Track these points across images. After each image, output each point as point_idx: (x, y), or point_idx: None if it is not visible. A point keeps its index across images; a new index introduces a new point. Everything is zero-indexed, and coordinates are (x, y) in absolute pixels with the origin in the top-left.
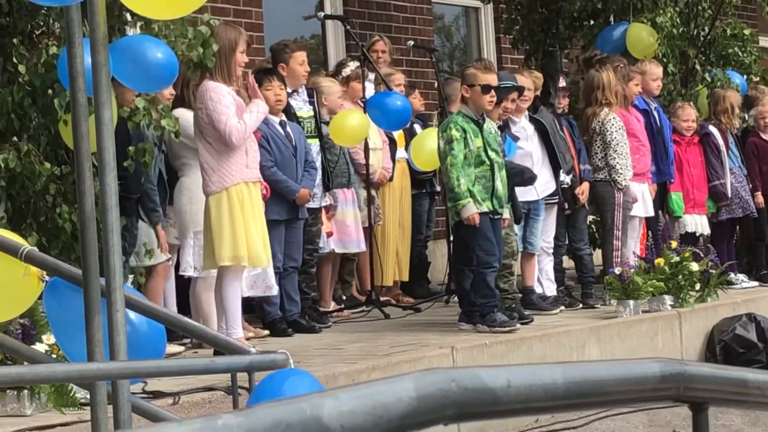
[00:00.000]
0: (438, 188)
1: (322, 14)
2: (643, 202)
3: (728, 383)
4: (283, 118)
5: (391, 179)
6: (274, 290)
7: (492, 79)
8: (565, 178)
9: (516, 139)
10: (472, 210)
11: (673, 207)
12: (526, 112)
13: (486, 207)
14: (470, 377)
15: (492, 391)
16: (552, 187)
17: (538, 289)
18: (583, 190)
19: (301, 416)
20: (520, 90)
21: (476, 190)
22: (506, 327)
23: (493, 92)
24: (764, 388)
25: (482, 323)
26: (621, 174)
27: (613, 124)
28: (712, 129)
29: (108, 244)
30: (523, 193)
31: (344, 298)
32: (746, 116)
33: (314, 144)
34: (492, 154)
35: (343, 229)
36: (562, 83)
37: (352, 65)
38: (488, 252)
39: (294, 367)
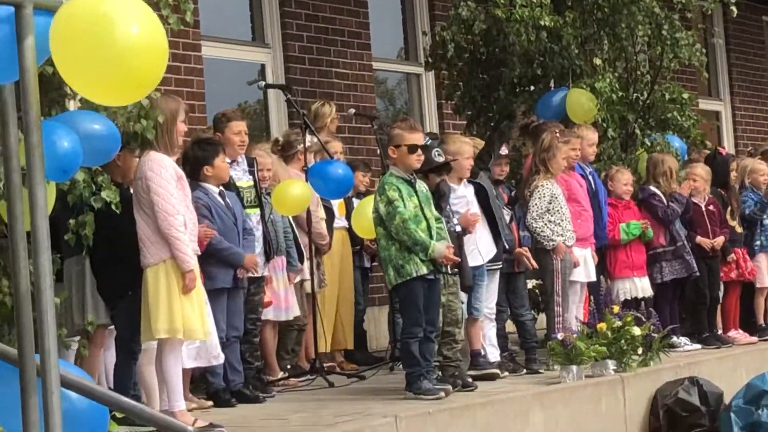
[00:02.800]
0: (367, 264)
1: (263, 83)
2: (585, 266)
3: None
4: (221, 188)
5: (329, 248)
6: (220, 359)
7: (417, 138)
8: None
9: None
10: (441, 247)
11: (629, 231)
12: (464, 180)
13: (425, 268)
14: None
15: None
16: (494, 251)
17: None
18: (523, 253)
19: None
20: (448, 167)
21: (416, 250)
22: (431, 396)
23: (419, 151)
24: None
25: (409, 390)
26: (545, 237)
27: (539, 192)
28: (654, 189)
29: (43, 325)
30: (469, 259)
31: (289, 366)
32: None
33: (254, 214)
34: (428, 213)
35: (275, 297)
36: (504, 150)
37: (308, 140)
38: (413, 321)
39: None
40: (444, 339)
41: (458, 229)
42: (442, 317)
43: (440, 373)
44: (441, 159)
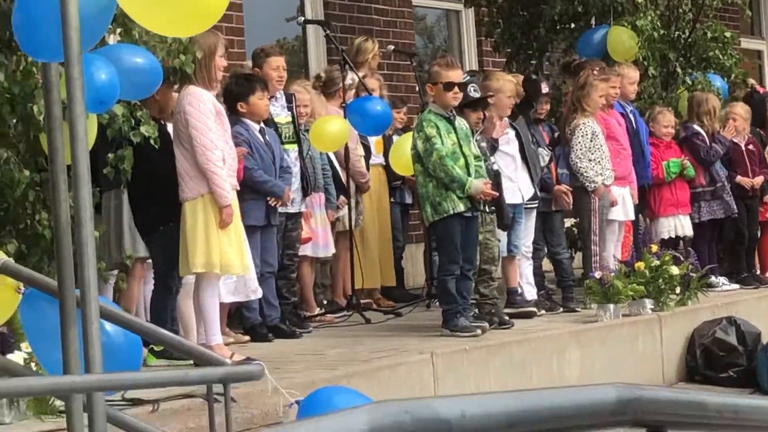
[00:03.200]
0: (409, 200)
1: (302, 19)
2: (623, 205)
3: (686, 407)
4: (262, 125)
5: (368, 186)
6: (258, 294)
7: (455, 75)
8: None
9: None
10: (478, 183)
11: (671, 168)
12: (506, 119)
13: (462, 206)
14: (424, 408)
15: (447, 422)
16: (531, 190)
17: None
18: (562, 191)
19: None
20: (485, 103)
21: (453, 187)
22: (467, 332)
23: (456, 89)
24: (723, 410)
25: (446, 328)
26: (588, 178)
27: (581, 130)
28: (698, 128)
29: (83, 257)
30: (508, 197)
31: (325, 302)
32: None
33: (292, 150)
34: (466, 150)
35: (313, 234)
36: (544, 89)
37: (349, 77)
38: (451, 258)
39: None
40: (481, 277)
41: (496, 167)
42: (479, 255)
43: (477, 310)
44: (477, 95)
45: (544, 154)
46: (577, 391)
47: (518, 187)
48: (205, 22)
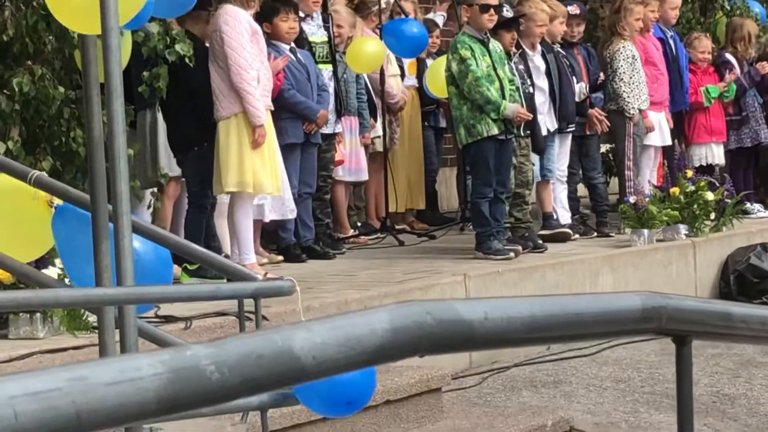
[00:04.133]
0: (443, 124)
1: None
2: (660, 131)
3: (712, 317)
4: (293, 45)
5: (402, 107)
6: (295, 213)
7: None
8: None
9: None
10: (513, 106)
11: (710, 93)
12: (539, 47)
13: (496, 129)
14: (446, 310)
15: (469, 323)
16: (555, 125)
17: (554, 216)
18: (596, 115)
19: (273, 347)
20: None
21: (488, 109)
22: (500, 255)
23: (492, 11)
24: (749, 321)
25: (479, 251)
26: (629, 104)
27: (622, 54)
28: (729, 57)
29: (115, 170)
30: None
31: (359, 224)
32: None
33: (326, 69)
34: (501, 73)
35: (346, 157)
36: (576, 10)
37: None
38: (484, 181)
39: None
40: (515, 200)
41: (531, 90)
42: (513, 179)
43: (510, 234)
44: (510, 14)
45: (583, 87)
46: (601, 299)
47: (545, 120)
48: None
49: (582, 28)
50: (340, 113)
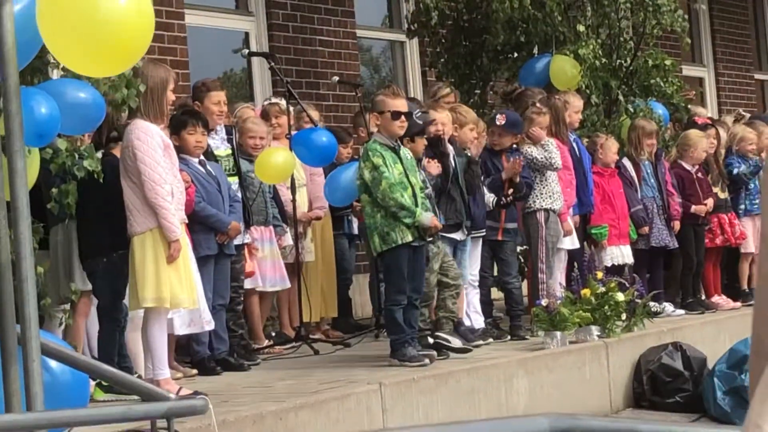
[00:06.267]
0: (356, 231)
1: (246, 51)
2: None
3: None
4: (202, 158)
5: (319, 218)
6: (212, 325)
7: (401, 104)
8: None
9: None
10: (428, 217)
11: (598, 235)
12: (449, 150)
13: (410, 235)
14: None
15: None
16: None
17: (467, 322)
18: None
19: None
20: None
21: (402, 215)
22: (415, 362)
23: (403, 117)
24: None
25: (394, 358)
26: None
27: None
28: (625, 161)
29: (23, 293)
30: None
31: (273, 334)
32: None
33: (233, 182)
34: (413, 179)
35: (261, 267)
36: (501, 120)
37: (277, 101)
38: (398, 288)
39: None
40: (450, 292)
41: (430, 192)
42: (451, 270)
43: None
44: (421, 122)
45: (489, 200)
46: (509, 423)
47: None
48: (126, 61)
49: (506, 139)
50: (248, 224)
